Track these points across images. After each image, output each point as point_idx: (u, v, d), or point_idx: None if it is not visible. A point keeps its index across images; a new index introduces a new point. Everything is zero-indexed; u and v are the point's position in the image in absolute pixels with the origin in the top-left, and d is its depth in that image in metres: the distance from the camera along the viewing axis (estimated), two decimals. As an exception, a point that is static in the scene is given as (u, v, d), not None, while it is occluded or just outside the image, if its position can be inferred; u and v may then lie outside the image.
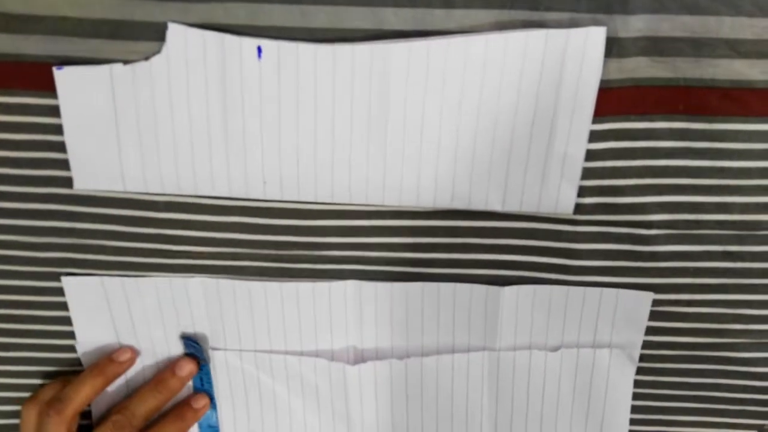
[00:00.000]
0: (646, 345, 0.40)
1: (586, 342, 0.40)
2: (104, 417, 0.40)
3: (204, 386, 0.42)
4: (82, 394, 0.38)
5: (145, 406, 0.39)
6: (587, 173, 0.36)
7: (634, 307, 0.39)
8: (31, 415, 0.39)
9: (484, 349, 0.40)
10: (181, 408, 0.41)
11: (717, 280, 0.38)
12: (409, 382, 0.41)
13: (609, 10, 0.32)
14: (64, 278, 0.39)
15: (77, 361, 0.41)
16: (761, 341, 0.40)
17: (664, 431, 0.43)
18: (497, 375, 0.41)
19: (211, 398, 0.42)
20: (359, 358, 0.41)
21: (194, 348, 0.40)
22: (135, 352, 0.41)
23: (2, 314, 0.41)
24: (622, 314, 0.39)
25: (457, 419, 0.42)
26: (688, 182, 0.36)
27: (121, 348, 0.41)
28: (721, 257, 0.38)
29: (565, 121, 0.34)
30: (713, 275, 0.38)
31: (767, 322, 0.40)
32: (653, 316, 0.39)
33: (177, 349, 0.41)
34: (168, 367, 0.41)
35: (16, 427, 0.42)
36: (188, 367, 0.40)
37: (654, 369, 0.41)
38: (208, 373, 0.41)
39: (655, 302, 0.39)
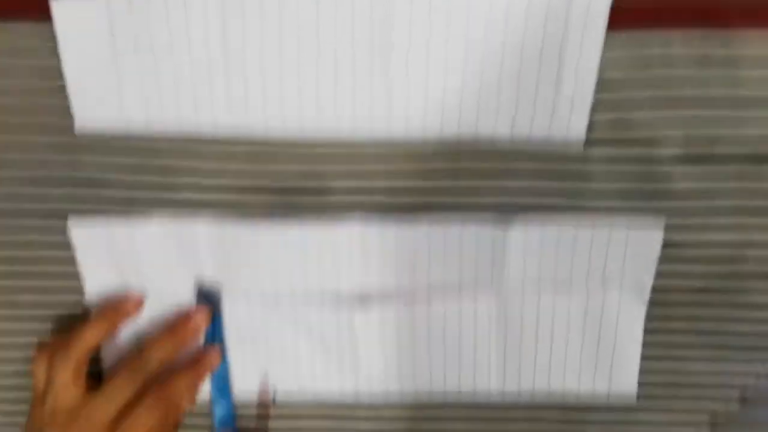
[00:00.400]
0: (656, 275, 0.39)
1: (595, 284, 0.39)
2: (116, 364, 0.40)
3: (216, 338, 0.41)
4: (87, 340, 0.38)
5: (159, 353, 0.39)
6: (601, 88, 0.35)
7: (643, 247, 0.38)
8: (41, 363, 0.39)
9: (491, 290, 0.40)
10: (194, 360, 0.41)
11: (729, 202, 0.38)
12: (416, 329, 0.41)
13: None
14: (70, 222, 0.39)
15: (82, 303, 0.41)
16: None
17: (672, 367, 0.42)
18: (505, 319, 0.40)
19: (223, 350, 0.42)
20: (366, 299, 0.40)
21: (208, 299, 0.40)
22: (141, 298, 0.41)
23: (8, 256, 0.40)
24: (632, 254, 0.39)
25: (465, 364, 0.42)
26: (703, 94, 0.35)
27: (127, 294, 0.40)
28: (734, 178, 0.37)
29: (576, 37, 0.33)
30: (725, 197, 0.37)
31: None
32: (664, 244, 0.38)
33: (184, 292, 0.41)
34: (182, 315, 0.40)
35: (22, 373, 0.43)
36: (202, 317, 0.40)
37: (664, 301, 0.40)
38: (220, 325, 0.41)
39: (667, 228, 0.38)
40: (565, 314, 0.40)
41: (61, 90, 0.36)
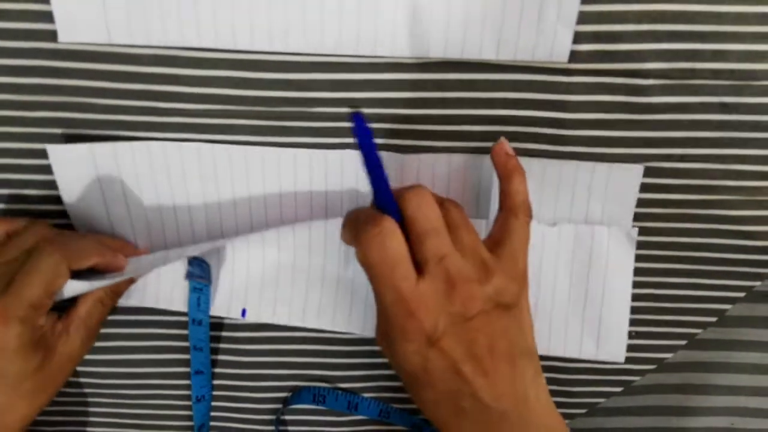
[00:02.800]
0: (638, 203, 0.40)
1: (579, 218, 0.40)
2: None
3: (200, 307, 0.41)
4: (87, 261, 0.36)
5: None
6: (583, 17, 0.35)
7: (625, 182, 0.39)
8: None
9: (478, 218, 0.40)
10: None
11: (711, 134, 0.38)
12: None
13: None
14: (49, 147, 0.38)
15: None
16: (753, 198, 0.40)
17: (655, 293, 0.43)
18: None
19: (205, 321, 0.41)
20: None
21: (200, 267, 0.40)
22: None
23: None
24: (614, 189, 0.39)
25: None
26: (685, 28, 0.36)
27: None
28: (716, 109, 0.38)
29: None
30: (707, 128, 0.38)
31: (760, 178, 0.40)
32: (646, 172, 0.39)
33: (169, 217, 0.41)
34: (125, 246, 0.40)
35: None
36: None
37: (645, 228, 0.41)
38: (207, 295, 0.41)
39: (648, 157, 0.39)
40: (555, 247, 0.41)
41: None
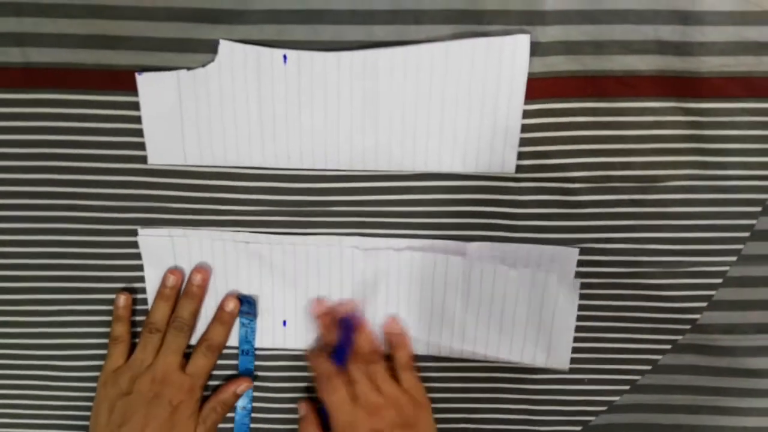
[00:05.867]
0: (576, 275, 0.52)
1: (536, 282, 0.52)
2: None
3: (248, 338, 0.54)
4: (163, 312, 0.52)
5: (185, 311, 0.52)
6: (524, 142, 0.48)
7: (565, 259, 0.52)
8: (155, 336, 0.51)
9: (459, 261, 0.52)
10: (219, 314, 0.53)
11: (627, 222, 0.50)
12: (401, 274, 0.53)
13: (531, 22, 0.45)
14: (140, 231, 0.52)
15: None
16: (667, 270, 0.52)
17: (597, 346, 0.54)
18: (469, 280, 0.52)
19: (252, 348, 0.54)
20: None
21: (248, 304, 0.53)
22: (206, 272, 0.53)
23: (86, 264, 0.53)
24: (557, 265, 0.52)
25: (436, 312, 0.54)
26: (599, 147, 0.48)
27: (192, 272, 0.53)
28: (628, 204, 0.50)
29: (504, 102, 0.47)
30: (624, 218, 0.50)
31: (670, 254, 0.51)
32: (581, 252, 0.51)
33: (223, 289, 0.54)
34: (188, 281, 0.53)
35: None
36: (203, 275, 0.52)
37: (585, 294, 0.52)
38: (253, 328, 0.54)
39: (581, 240, 0.51)
40: (515, 286, 0.52)
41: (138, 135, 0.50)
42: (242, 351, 0.54)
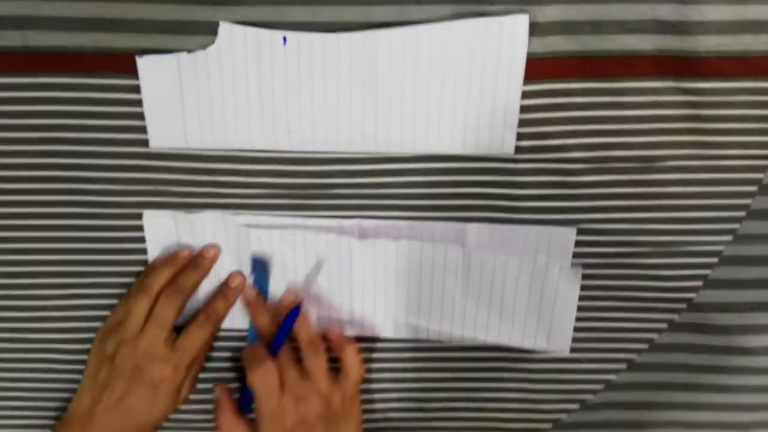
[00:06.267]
0: (574, 256, 0.52)
1: (537, 266, 0.53)
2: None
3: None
4: (163, 277, 0.51)
5: (189, 280, 0.51)
6: (523, 122, 0.49)
7: (563, 239, 0.52)
8: (143, 301, 0.50)
9: (457, 248, 0.52)
10: (225, 289, 0.53)
11: (625, 202, 0.51)
12: (399, 263, 0.53)
13: (530, 2, 0.45)
14: (145, 212, 0.52)
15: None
16: (663, 250, 0.52)
17: (595, 326, 0.55)
18: (469, 268, 0.53)
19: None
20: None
21: (261, 264, 0.53)
22: (217, 250, 0.53)
23: (90, 248, 0.54)
24: (555, 246, 0.52)
25: (436, 299, 0.54)
26: (597, 127, 0.49)
27: (206, 246, 0.53)
28: (626, 184, 0.50)
29: (503, 82, 0.47)
30: (622, 198, 0.51)
31: (667, 234, 0.52)
32: (579, 231, 0.52)
33: (225, 272, 0.54)
34: (200, 250, 0.53)
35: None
36: (214, 250, 0.53)
37: (582, 275, 0.53)
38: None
39: (579, 220, 0.52)
40: (516, 272, 0.53)
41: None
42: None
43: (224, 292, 0.53)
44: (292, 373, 0.49)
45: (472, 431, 0.59)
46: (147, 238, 0.53)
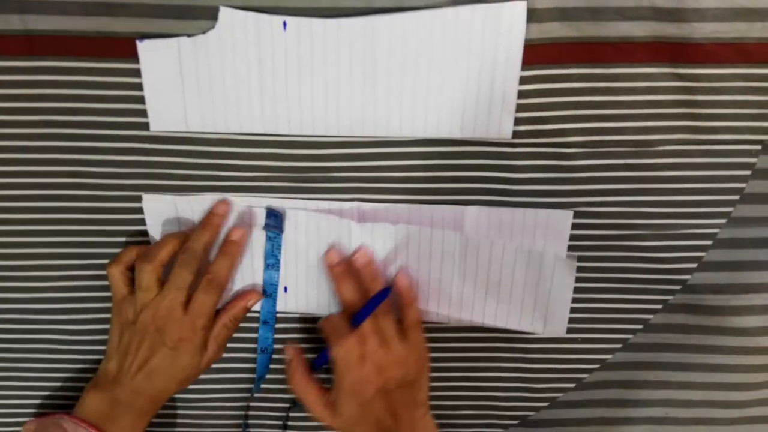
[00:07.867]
0: (570, 238, 0.53)
1: (533, 251, 0.54)
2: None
3: (273, 252, 0.54)
4: (167, 249, 0.51)
5: (199, 243, 0.51)
6: (520, 107, 0.49)
7: (559, 222, 0.53)
8: (116, 272, 0.51)
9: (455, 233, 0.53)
10: (225, 245, 0.53)
11: (621, 186, 0.52)
12: (398, 247, 0.54)
13: (528, -12, 0.46)
14: (144, 196, 0.53)
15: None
16: (658, 233, 0.53)
17: (591, 306, 0.56)
18: (466, 252, 0.54)
19: (277, 262, 0.55)
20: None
21: (275, 217, 0.53)
22: (228, 205, 0.53)
23: (90, 230, 0.54)
24: (552, 229, 0.53)
25: (434, 282, 0.55)
26: (594, 112, 0.49)
27: (217, 202, 0.53)
28: (623, 168, 0.51)
29: (501, 68, 0.48)
30: (618, 182, 0.51)
31: (662, 217, 0.53)
32: (576, 215, 0.52)
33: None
34: (209, 211, 0.53)
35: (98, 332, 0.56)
36: (224, 208, 0.52)
37: (579, 257, 0.54)
38: (279, 242, 0.54)
39: (576, 204, 0.52)
40: (512, 258, 0.54)
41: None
42: (267, 265, 0.55)
43: (225, 248, 0.53)
44: (372, 344, 0.50)
45: (468, 410, 0.60)
46: (147, 221, 0.53)
